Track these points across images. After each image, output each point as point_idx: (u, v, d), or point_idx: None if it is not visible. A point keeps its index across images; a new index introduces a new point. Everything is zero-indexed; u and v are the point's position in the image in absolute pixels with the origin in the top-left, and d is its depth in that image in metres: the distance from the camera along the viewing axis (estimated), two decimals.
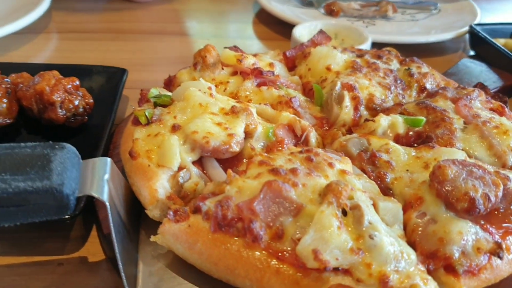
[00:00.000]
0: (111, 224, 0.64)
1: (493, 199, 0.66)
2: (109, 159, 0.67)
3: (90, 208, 0.79)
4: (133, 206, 0.75)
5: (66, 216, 0.67)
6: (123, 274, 0.66)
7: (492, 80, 1.24)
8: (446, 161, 0.70)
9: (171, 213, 0.67)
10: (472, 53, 1.43)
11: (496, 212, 0.70)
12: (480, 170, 0.70)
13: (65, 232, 0.80)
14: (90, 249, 0.78)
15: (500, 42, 1.38)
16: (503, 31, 1.44)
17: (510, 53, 1.29)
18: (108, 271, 0.75)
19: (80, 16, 1.55)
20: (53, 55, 1.35)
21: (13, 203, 0.59)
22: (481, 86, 1.01)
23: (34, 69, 1.03)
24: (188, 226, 0.66)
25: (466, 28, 1.44)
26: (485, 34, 1.35)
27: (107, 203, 0.63)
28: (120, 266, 0.65)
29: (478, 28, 1.39)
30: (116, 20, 1.55)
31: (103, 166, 0.66)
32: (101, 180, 0.64)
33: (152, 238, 0.68)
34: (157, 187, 0.72)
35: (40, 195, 0.58)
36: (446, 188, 0.67)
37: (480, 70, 1.27)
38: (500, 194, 0.68)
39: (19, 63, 1.11)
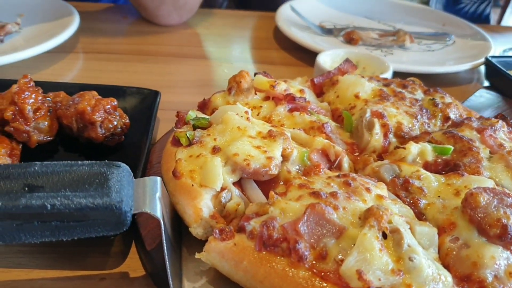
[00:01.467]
0: (164, 240, 0.67)
1: None
2: (159, 178, 0.71)
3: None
4: (175, 223, 0.78)
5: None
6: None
7: (508, 111, 1.28)
8: (478, 189, 0.73)
9: (217, 231, 0.70)
10: (486, 83, 1.48)
11: None
12: (510, 198, 0.73)
13: (106, 247, 0.83)
14: (130, 265, 0.80)
15: None
16: None
17: None
18: (147, 286, 0.77)
19: (106, 38, 1.60)
20: (82, 75, 1.39)
21: (74, 218, 0.62)
22: (502, 117, 1.04)
23: (70, 88, 1.07)
24: (234, 245, 0.69)
25: (482, 60, 1.49)
26: (500, 66, 1.40)
27: (161, 220, 0.66)
28: (170, 280, 0.67)
29: (494, 60, 1.44)
30: (142, 43, 1.59)
31: (155, 185, 0.69)
32: (153, 197, 0.67)
33: (197, 255, 0.71)
34: (202, 206, 0.75)
35: (100, 212, 0.61)
36: (479, 214, 0.71)
37: (496, 101, 1.32)
38: None
39: (55, 82, 1.14)
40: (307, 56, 1.38)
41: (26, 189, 0.62)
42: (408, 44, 1.61)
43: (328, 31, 1.65)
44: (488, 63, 1.45)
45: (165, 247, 0.67)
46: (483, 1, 1.93)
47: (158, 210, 0.66)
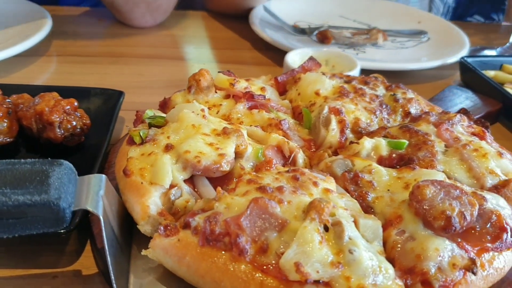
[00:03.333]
0: (105, 238, 0.67)
1: (468, 218, 0.70)
2: (104, 176, 0.71)
3: (85, 223, 0.82)
4: (126, 222, 0.78)
5: (62, 230, 0.71)
6: (115, 286, 0.69)
7: (478, 106, 1.29)
8: (425, 181, 0.74)
9: (161, 228, 0.70)
10: (461, 82, 1.48)
11: (472, 231, 0.73)
12: (457, 191, 0.73)
13: (60, 246, 0.83)
14: (84, 263, 0.80)
15: (490, 74, 1.43)
16: (493, 63, 1.49)
17: (499, 84, 1.34)
18: (101, 284, 0.77)
19: (80, 41, 1.60)
20: (53, 78, 1.39)
21: (12, 215, 0.62)
22: (464, 112, 1.05)
23: (34, 90, 1.07)
24: (177, 241, 0.69)
25: (456, 59, 1.49)
26: (475, 67, 1.40)
27: (101, 217, 0.66)
28: (113, 278, 0.68)
29: (469, 60, 1.43)
30: (115, 45, 1.59)
31: (98, 183, 0.69)
32: (96, 195, 0.67)
33: (143, 252, 0.71)
34: (149, 204, 0.75)
35: (38, 208, 0.62)
36: (424, 207, 0.71)
37: (465, 97, 1.32)
38: (475, 213, 0.71)
39: (20, 84, 1.15)
40: (280, 56, 1.38)
41: None
42: (381, 42, 1.61)
43: (302, 31, 1.66)
44: (463, 63, 1.44)
45: (106, 245, 0.67)
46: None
47: (99, 207, 0.66)
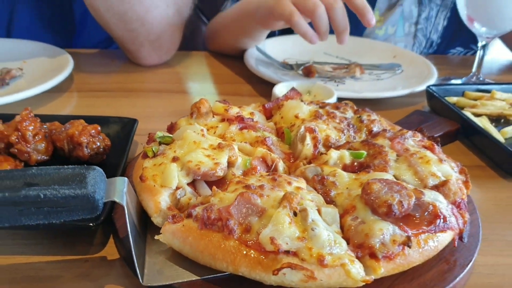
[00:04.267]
0: (128, 225, 0.88)
1: (405, 205, 0.91)
2: (126, 178, 0.92)
3: (107, 223, 1.03)
4: (141, 217, 1.00)
5: (93, 223, 0.94)
6: (136, 264, 0.89)
7: (438, 126, 1.50)
8: (373, 179, 0.95)
9: (170, 217, 0.91)
10: (428, 108, 1.70)
11: (413, 218, 0.94)
12: (399, 186, 0.94)
13: (90, 238, 1.04)
14: (108, 251, 1.01)
15: (452, 100, 1.66)
16: (456, 90, 1.71)
17: (458, 108, 1.57)
18: (121, 266, 0.98)
19: (98, 78, 1.84)
20: (76, 110, 1.62)
21: (60, 205, 0.83)
22: (420, 130, 1.26)
23: (63, 119, 1.30)
24: (182, 226, 0.90)
25: (423, 87, 1.71)
26: (439, 94, 1.63)
27: (125, 208, 0.87)
28: (134, 258, 0.88)
29: (434, 88, 1.66)
30: (127, 81, 1.83)
31: (122, 183, 0.91)
32: (121, 191, 0.89)
33: (156, 237, 0.92)
34: (161, 201, 0.96)
35: (79, 199, 0.83)
36: (372, 198, 0.92)
37: (428, 118, 1.54)
38: (412, 202, 0.92)
39: (52, 114, 1.37)
40: (271, 88, 1.60)
41: (25, 185, 0.84)
42: (359, 74, 1.85)
43: (290, 67, 1.90)
44: (428, 91, 1.66)
45: (129, 230, 0.88)
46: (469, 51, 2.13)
47: (124, 200, 0.88)
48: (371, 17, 1.56)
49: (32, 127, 1.17)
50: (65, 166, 0.89)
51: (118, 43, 1.85)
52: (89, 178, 0.86)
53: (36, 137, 1.17)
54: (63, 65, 1.77)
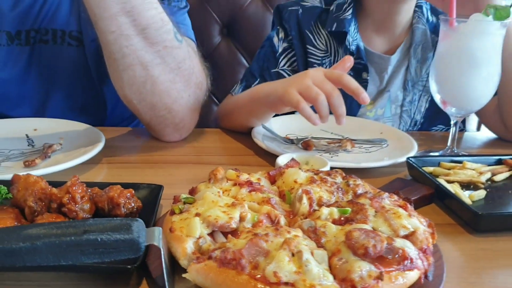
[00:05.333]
0: (163, 263, 1.13)
1: (378, 248, 1.15)
2: (161, 228, 1.18)
3: (142, 267, 1.28)
4: (171, 262, 1.25)
5: (132, 265, 1.19)
6: None
7: (415, 191, 1.76)
8: (355, 229, 1.21)
9: (195, 259, 1.17)
10: (409, 176, 1.97)
11: (386, 259, 1.18)
12: (374, 234, 1.19)
13: (127, 280, 1.28)
14: None
15: (429, 169, 1.93)
16: (432, 161, 1.98)
17: (433, 176, 1.84)
18: None
19: (125, 152, 2.14)
20: (106, 178, 1.90)
21: (112, 247, 1.08)
22: (397, 193, 1.53)
23: (102, 185, 1.57)
24: (205, 265, 1.14)
25: (404, 159, 1.99)
26: (417, 164, 1.91)
27: (162, 249, 1.13)
28: None
29: (413, 159, 1.94)
30: (150, 154, 2.12)
31: (158, 231, 1.16)
32: (158, 237, 1.14)
33: (183, 275, 1.15)
34: (187, 247, 1.21)
35: (127, 242, 1.08)
36: (353, 242, 1.17)
37: (407, 184, 1.81)
38: (384, 246, 1.16)
39: (92, 182, 1.64)
40: (275, 159, 1.88)
41: (85, 231, 1.10)
42: (350, 148, 2.14)
43: (291, 141, 2.20)
44: (408, 161, 1.94)
45: (164, 266, 1.13)
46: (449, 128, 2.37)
47: (160, 243, 1.13)
48: (365, 96, 1.87)
49: (80, 190, 1.44)
50: (114, 218, 1.15)
51: (145, 125, 2.15)
52: (134, 227, 1.12)
53: (83, 199, 1.44)
54: (95, 140, 2.05)
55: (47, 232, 1.07)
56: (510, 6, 1.95)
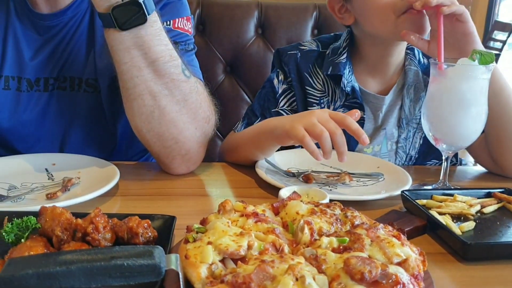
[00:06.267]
0: (182, 286, 1.26)
1: (373, 273, 1.28)
2: (178, 255, 1.32)
3: None
4: (185, 285, 1.37)
5: (153, 282, 1.31)
6: None
7: (409, 222, 1.90)
8: (352, 256, 1.34)
9: (209, 283, 1.30)
10: (403, 208, 2.11)
11: (381, 284, 1.31)
12: (369, 260, 1.33)
13: None
14: None
15: (422, 202, 2.07)
16: (425, 194, 2.11)
17: (426, 208, 1.98)
18: None
19: (138, 185, 2.28)
20: (123, 210, 2.04)
21: (137, 271, 1.22)
22: (391, 224, 1.67)
23: (120, 216, 1.71)
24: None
25: (399, 192, 2.13)
26: (411, 197, 2.05)
27: (180, 272, 1.26)
28: None
29: (407, 192, 2.08)
30: (162, 187, 2.27)
31: (176, 257, 1.30)
32: (176, 262, 1.28)
33: None
34: (201, 272, 1.34)
35: (150, 267, 1.21)
36: (350, 268, 1.30)
37: (402, 217, 1.94)
38: (379, 271, 1.29)
39: (110, 213, 1.78)
40: (277, 191, 2.02)
41: (112, 258, 1.24)
42: (348, 182, 2.28)
43: (292, 175, 2.34)
44: (403, 194, 2.08)
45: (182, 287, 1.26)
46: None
47: (178, 268, 1.27)
48: (365, 137, 2.04)
49: (103, 221, 1.58)
50: (138, 246, 1.29)
51: (154, 157, 2.30)
52: (155, 253, 1.26)
53: (105, 229, 1.58)
54: (111, 175, 2.19)
55: (80, 258, 1.20)
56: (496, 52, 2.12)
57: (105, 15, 1.92)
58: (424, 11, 2.26)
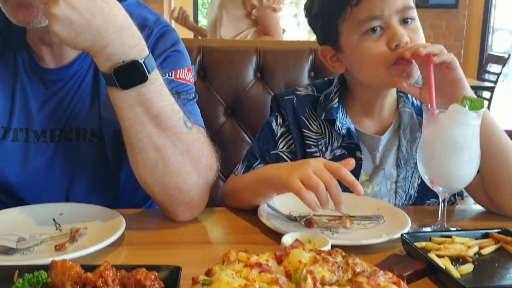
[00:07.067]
0: None
1: None
2: None
3: None
4: None
5: None
6: None
7: (410, 266, 1.95)
8: None
9: None
10: (404, 251, 2.15)
11: None
12: None
13: None
14: None
15: (421, 244, 2.11)
16: (425, 237, 2.16)
17: (425, 251, 2.03)
18: None
19: (143, 233, 2.32)
20: (129, 260, 2.09)
21: None
22: (391, 270, 1.72)
23: (127, 268, 1.76)
24: None
25: (399, 235, 2.18)
26: (410, 240, 2.09)
27: None
28: None
29: (406, 235, 2.13)
30: (166, 235, 2.31)
31: None
32: None
33: None
34: None
35: None
36: None
37: (402, 261, 1.99)
38: None
39: (119, 265, 1.82)
40: (280, 236, 2.07)
41: None
42: (349, 225, 2.34)
43: (294, 219, 2.40)
44: (402, 238, 2.13)
45: None
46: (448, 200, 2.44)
47: None
48: (360, 188, 2.11)
49: (111, 274, 1.63)
50: None
51: (159, 205, 2.36)
52: None
53: (114, 282, 1.63)
54: (117, 224, 2.22)
55: None
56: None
57: (108, 75, 2.01)
58: (413, 60, 2.36)
